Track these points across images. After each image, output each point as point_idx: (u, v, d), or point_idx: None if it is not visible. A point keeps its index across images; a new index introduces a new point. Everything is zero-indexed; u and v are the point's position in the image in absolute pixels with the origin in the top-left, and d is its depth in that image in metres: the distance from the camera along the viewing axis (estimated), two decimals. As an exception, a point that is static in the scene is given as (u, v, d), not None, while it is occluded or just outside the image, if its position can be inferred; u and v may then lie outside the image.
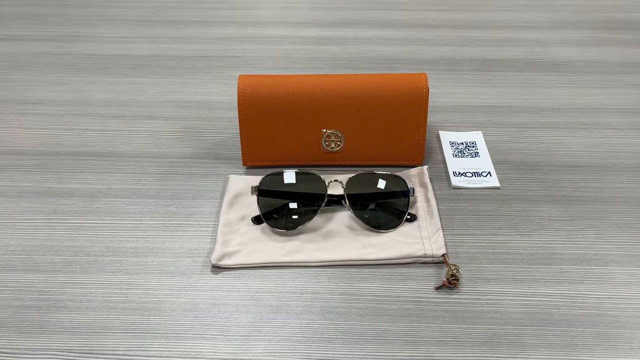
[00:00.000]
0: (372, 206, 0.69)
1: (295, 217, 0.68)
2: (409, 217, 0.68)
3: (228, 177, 0.74)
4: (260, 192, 0.68)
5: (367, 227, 0.67)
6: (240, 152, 0.77)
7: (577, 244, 0.66)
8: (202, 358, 0.55)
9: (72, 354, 0.55)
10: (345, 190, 0.68)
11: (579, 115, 0.87)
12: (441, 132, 0.83)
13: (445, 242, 0.65)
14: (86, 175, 0.77)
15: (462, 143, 0.81)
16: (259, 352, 0.55)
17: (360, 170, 0.71)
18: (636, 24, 1.11)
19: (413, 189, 0.69)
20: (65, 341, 0.56)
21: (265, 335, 0.57)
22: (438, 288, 0.61)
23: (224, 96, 0.92)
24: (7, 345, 0.56)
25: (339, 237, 0.67)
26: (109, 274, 0.63)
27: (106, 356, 0.55)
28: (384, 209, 0.69)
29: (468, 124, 0.85)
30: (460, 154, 0.79)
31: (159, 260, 0.65)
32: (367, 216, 0.68)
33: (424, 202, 0.71)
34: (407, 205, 0.68)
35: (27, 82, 0.96)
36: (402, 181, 0.69)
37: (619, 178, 0.75)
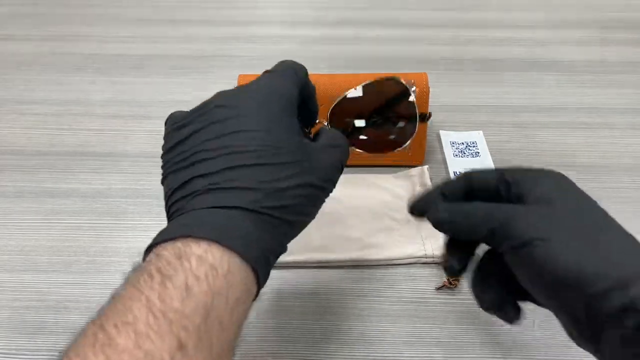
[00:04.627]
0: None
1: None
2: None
3: (228, 177, 0.74)
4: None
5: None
6: (240, 152, 0.76)
7: (578, 244, 0.66)
8: (202, 358, 0.55)
9: (71, 354, 0.55)
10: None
11: (579, 115, 0.87)
12: (442, 132, 0.83)
13: (446, 242, 0.65)
14: (85, 175, 0.76)
15: (462, 143, 0.81)
16: (259, 352, 0.55)
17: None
18: (636, 24, 1.11)
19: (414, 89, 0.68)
20: (65, 341, 0.56)
21: (264, 335, 0.57)
22: (439, 288, 0.61)
23: (224, 96, 0.92)
24: (7, 345, 0.56)
25: (339, 237, 0.67)
26: (109, 274, 0.63)
27: (106, 356, 0.55)
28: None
29: (469, 124, 0.85)
30: (460, 154, 0.79)
31: (159, 261, 0.64)
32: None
33: (424, 202, 0.70)
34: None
35: (26, 82, 0.96)
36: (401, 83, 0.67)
37: (620, 178, 0.75)
